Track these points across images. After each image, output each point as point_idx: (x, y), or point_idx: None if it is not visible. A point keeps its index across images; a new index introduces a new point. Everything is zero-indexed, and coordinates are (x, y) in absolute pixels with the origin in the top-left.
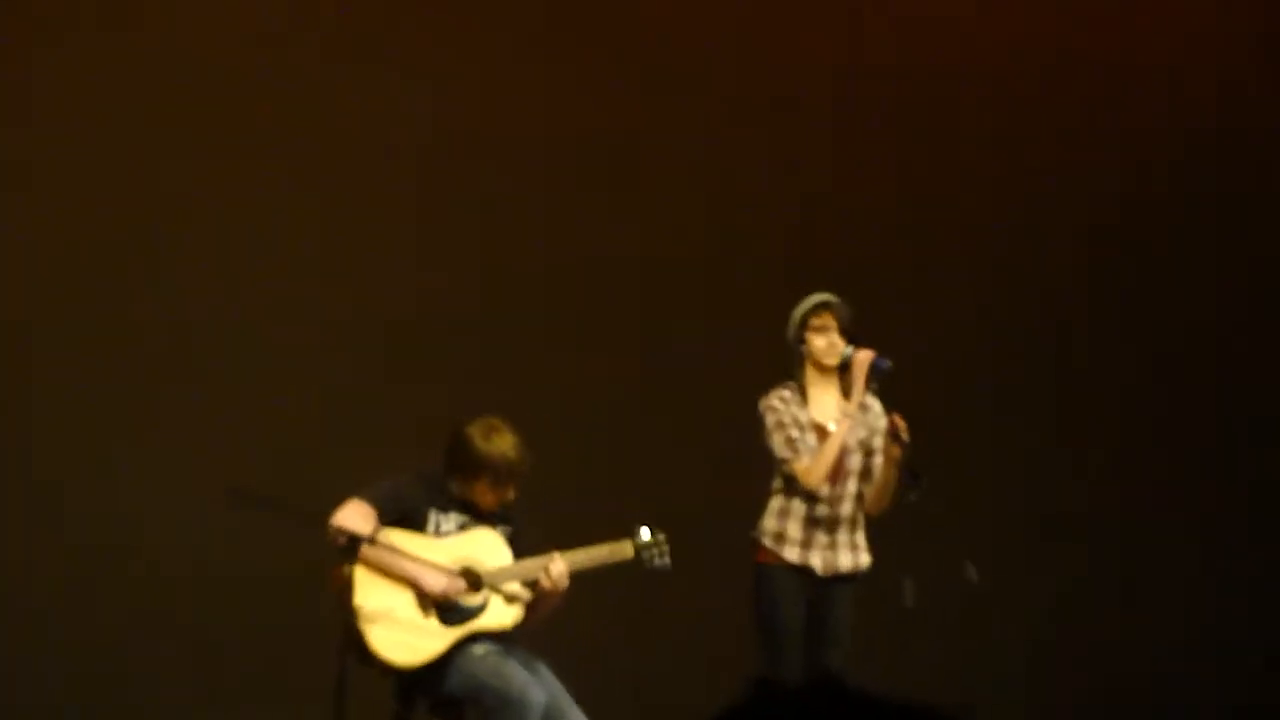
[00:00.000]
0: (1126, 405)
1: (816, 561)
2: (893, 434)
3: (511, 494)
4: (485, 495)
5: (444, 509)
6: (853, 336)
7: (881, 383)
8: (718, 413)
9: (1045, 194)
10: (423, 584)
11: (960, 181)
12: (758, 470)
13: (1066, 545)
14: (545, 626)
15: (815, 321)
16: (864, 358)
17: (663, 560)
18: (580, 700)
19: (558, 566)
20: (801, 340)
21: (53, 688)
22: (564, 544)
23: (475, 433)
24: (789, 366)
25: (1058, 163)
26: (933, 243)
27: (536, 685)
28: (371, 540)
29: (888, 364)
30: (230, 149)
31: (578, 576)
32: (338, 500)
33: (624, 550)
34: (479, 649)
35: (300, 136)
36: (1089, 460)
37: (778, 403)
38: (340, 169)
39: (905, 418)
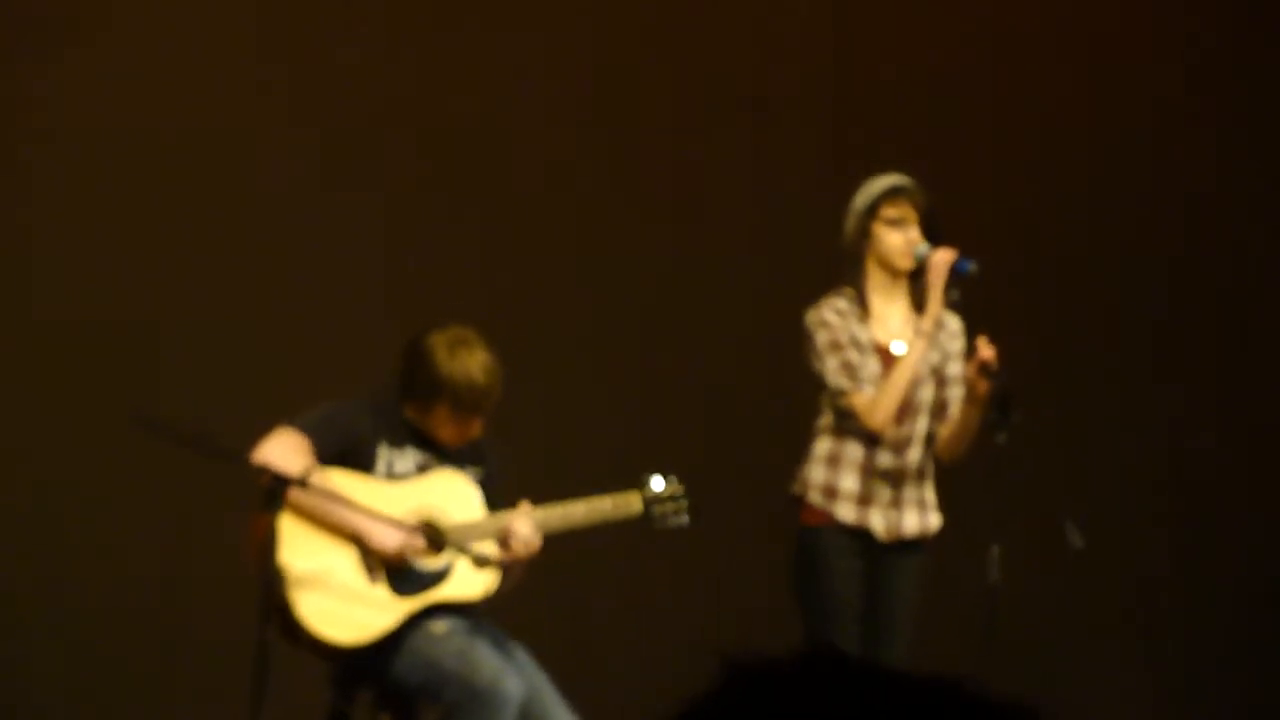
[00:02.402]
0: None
1: (877, 522)
2: (981, 366)
3: (477, 429)
4: (444, 427)
5: (398, 444)
6: (930, 231)
7: (965, 291)
8: (751, 329)
9: None
10: (369, 540)
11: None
12: (800, 406)
13: (1189, 501)
14: (518, 597)
15: (889, 211)
16: (943, 258)
17: (679, 518)
18: (568, 694)
19: (524, 527)
20: (866, 235)
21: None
22: (554, 494)
23: (438, 345)
24: (843, 268)
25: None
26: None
27: (511, 674)
28: (303, 482)
29: (972, 265)
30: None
31: (570, 536)
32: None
33: (630, 504)
34: (439, 626)
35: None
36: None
37: (832, 316)
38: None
39: (993, 338)
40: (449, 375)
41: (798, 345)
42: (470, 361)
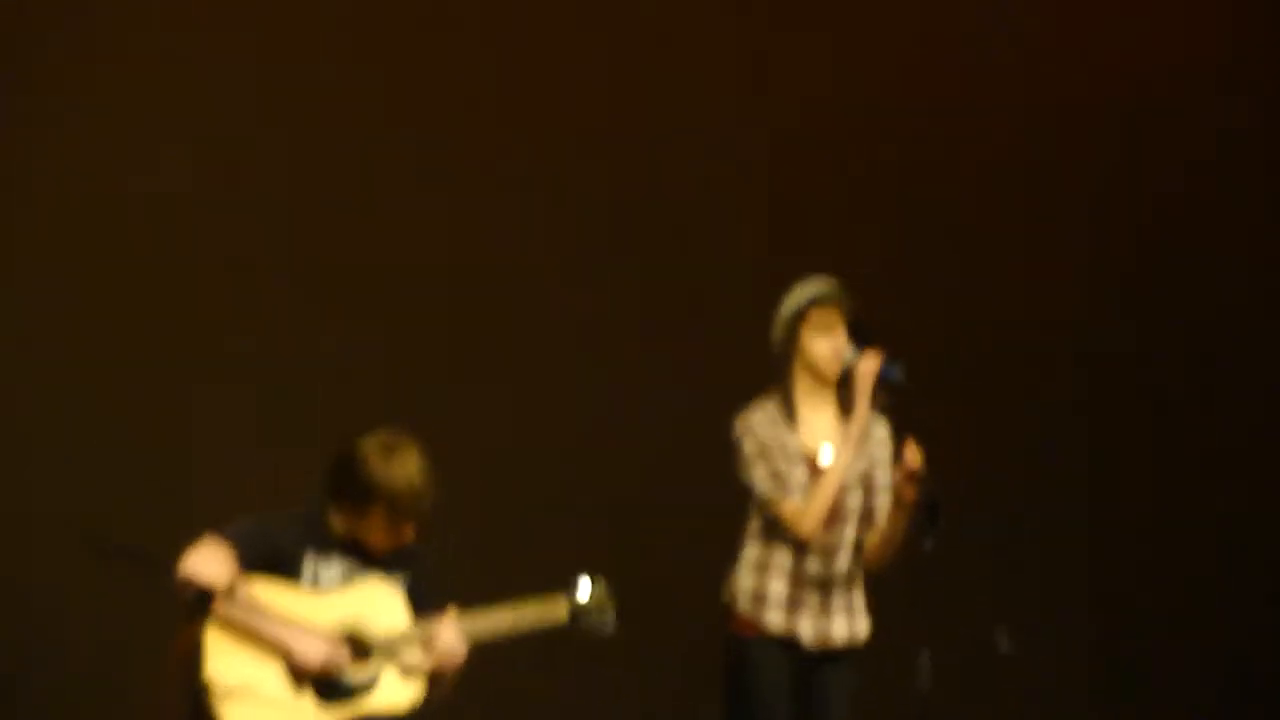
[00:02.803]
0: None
1: (806, 629)
2: (907, 472)
3: (409, 535)
4: (378, 533)
5: (324, 552)
6: (858, 336)
7: (891, 395)
8: (682, 433)
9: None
10: (294, 652)
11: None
12: (728, 512)
13: (1122, 595)
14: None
15: (816, 317)
16: (870, 366)
17: (607, 623)
18: None
19: (447, 634)
20: (794, 341)
21: None
22: (480, 598)
23: (371, 451)
24: (773, 373)
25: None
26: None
27: None
28: (229, 593)
29: (898, 371)
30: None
31: (492, 645)
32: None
33: (555, 610)
34: None
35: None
36: (1159, 495)
37: (760, 424)
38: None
39: (920, 442)
40: (385, 480)
41: (727, 449)
42: (406, 466)
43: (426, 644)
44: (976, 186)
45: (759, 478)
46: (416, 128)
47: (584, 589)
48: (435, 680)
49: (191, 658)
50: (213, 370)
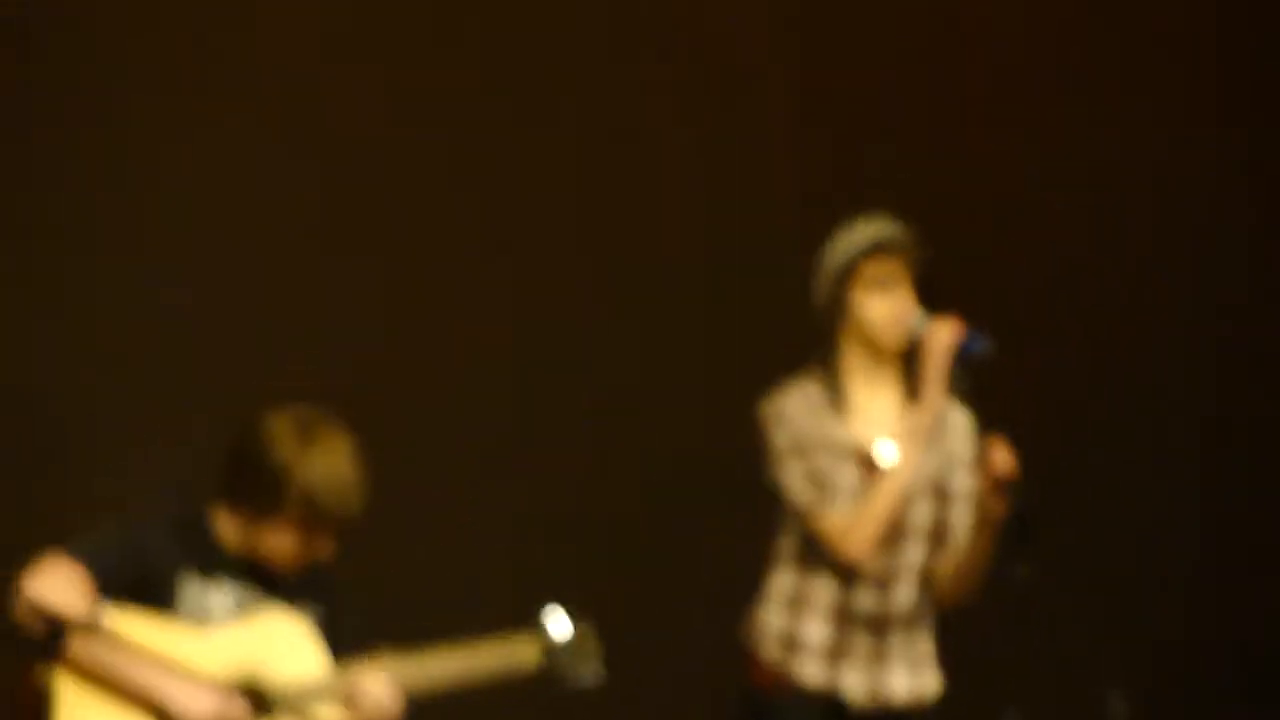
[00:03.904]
0: None
1: (854, 686)
2: (996, 484)
3: (326, 549)
4: (286, 544)
5: (210, 572)
6: (928, 297)
7: (975, 378)
8: (691, 425)
9: None
10: (172, 707)
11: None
12: (754, 526)
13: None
14: None
15: (870, 270)
16: (945, 335)
17: (589, 671)
18: None
19: (373, 686)
20: (842, 303)
21: None
22: (424, 637)
23: (282, 433)
24: (817, 346)
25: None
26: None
27: None
28: (86, 629)
29: (985, 344)
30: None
31: (439, 697)
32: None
33: (524, 652)
34: None
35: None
36: None
37: (795, 409)
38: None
39: (1012, 441)
40: (300, 470)
41: (751, 444)
42: (329, 453)
43: (346, 698)
44: None
45: (793, 480)
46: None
47: (560, 625)
48: None
49: (36, 713)
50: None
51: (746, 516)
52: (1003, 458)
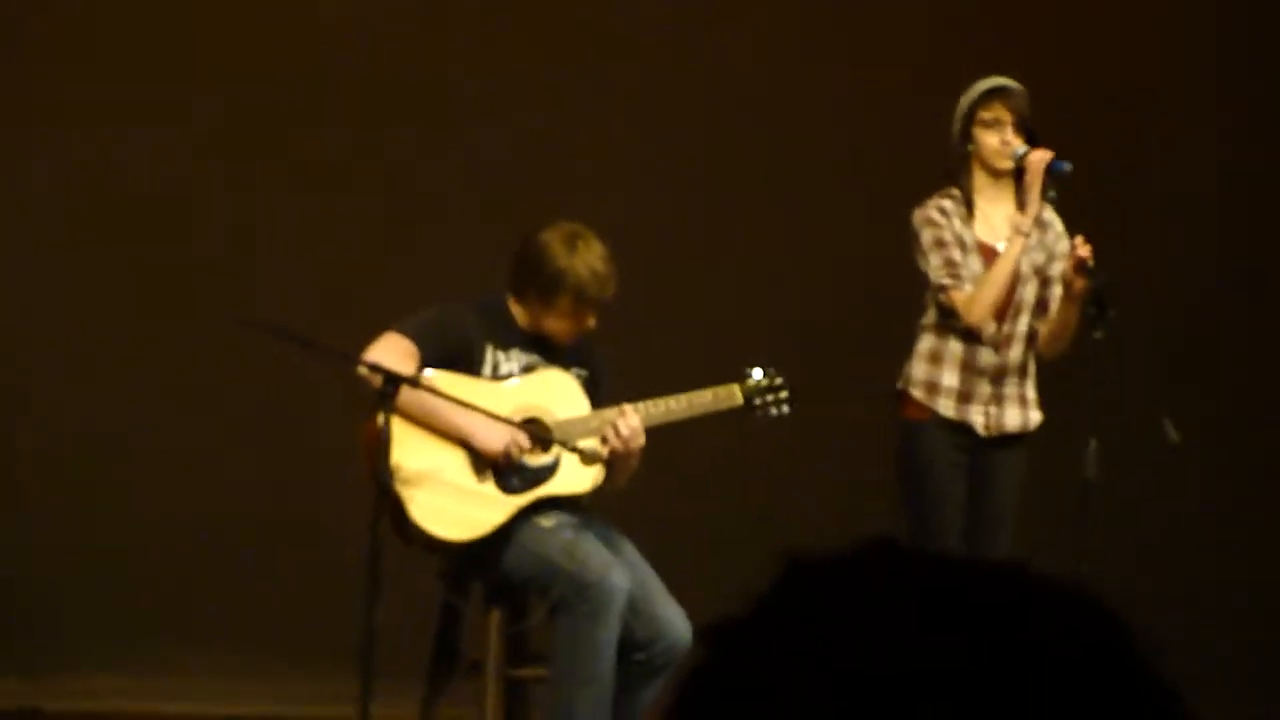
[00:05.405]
0: None
1: (978, 418)
2: (1078, 264)
3: (591, 322)
4: (562, 322)
5: (504, 345)
6: (1031, 133)
7: (1061, 192)
8: (856, 227)
9: None
10: (476, 439)
11: None
12: (904, 302)
13: None
14: (625, 495)
15: (985, 113)
16: (1039, 158)
17: (781, 409)
18: (674, 589)
19: (628, 421)
20: (968, 137)
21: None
22: (654, 393)
23: (554, 240)
24: (952, 169)
25: None
26: None
27: (619, 567)
28: (414, 381)
29: (1067, 166)
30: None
31: (670, 428)
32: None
33: (731, 396)
34: (547, 521)
35: None
36: None
37: (937, 215)
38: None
39: (1089, 237)
40: (570, 267)
41: (906, 243)
42: (590, 253)
43: (606, 429)
44: None
45: (935, 266)
46: None
47: (758, 374)
48: (614, 466)
49: (378, 447)
50: None
51: (895, 296)
52: (1082, 248)
